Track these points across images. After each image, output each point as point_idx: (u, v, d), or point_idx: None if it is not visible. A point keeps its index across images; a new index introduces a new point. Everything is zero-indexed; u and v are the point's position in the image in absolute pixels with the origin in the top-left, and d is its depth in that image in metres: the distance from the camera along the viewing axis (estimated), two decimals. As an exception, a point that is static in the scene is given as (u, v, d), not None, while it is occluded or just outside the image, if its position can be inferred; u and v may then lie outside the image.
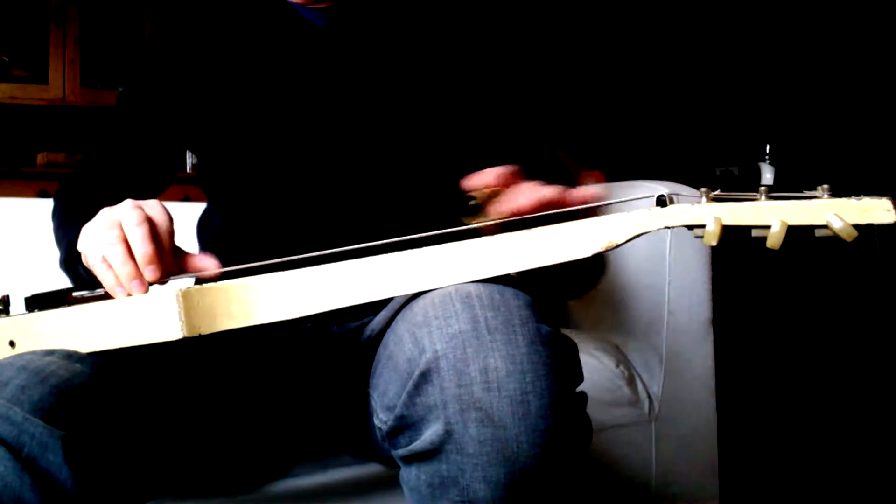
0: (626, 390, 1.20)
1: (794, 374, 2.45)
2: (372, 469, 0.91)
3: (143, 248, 0.67)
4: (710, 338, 1.28)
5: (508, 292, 0.65)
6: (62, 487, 0.62)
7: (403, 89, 0.92)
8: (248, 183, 0.94)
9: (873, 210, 0.56)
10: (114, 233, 0.68)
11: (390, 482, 0.85)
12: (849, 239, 0.57)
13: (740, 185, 2.89)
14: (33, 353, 0.68)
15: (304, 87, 0.91)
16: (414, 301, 0.68)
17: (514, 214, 0.69)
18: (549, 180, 0.92)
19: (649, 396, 1.22)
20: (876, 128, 2.74)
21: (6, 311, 0.73)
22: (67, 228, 0.89)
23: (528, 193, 0.70)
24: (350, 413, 0.84)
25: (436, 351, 0.61)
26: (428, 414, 0.61)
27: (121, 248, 0.68)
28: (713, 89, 2.96)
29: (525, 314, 0.63)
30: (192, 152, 1.02)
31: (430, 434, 0.61)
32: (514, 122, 0.97)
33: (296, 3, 0.92)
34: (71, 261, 0.85)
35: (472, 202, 0.70)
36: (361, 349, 0.83)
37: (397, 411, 0.64)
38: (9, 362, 0.66)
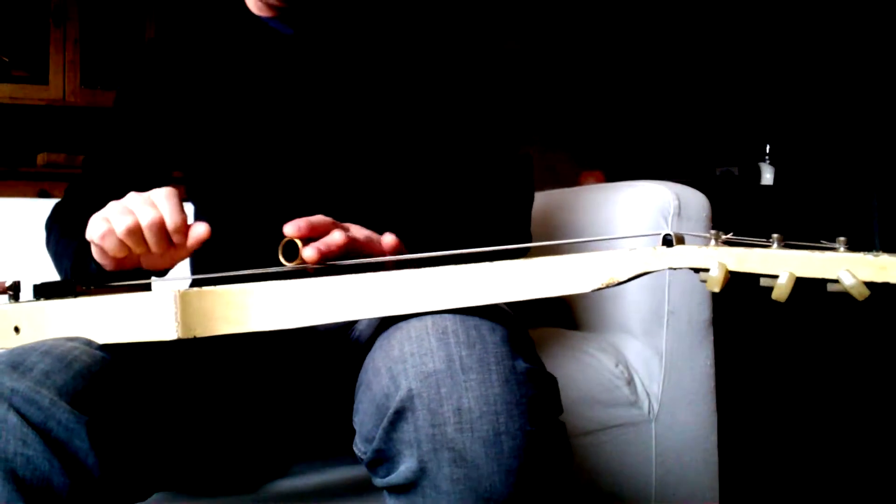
0: (626, 390, 1.20)
1: (794, 375, 2.45)
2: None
3: (173, 216, 0.69)
4: (710, 338, 1.28)
5: (485, 326, 0.65)
6: (89, 473, 0.63)
7: (370, 94, 0.93)
8: (226, 188, 0.96)
9: (891, 268, 0.52)
10: (148, 208, 0.69)
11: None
12: (860, 298, 0.52)
13: (740, 185, 2.90)
14: (55, 339, 0.69)
15: (273, 94, 0.94)
16: (392, 330, 0.67)
17: (325, 252, 0.69)
18: (505, 192, 0.95)
19: (649, 396, 1.22)
20: (876, 128, 2.74)
21: (16, 297, 0.74)
22: (69, 241, 0.89)
23: (340, 233, 0.71)
24: (343, 415, 0.84)
25: (410, 389, 0.61)
26: (404, 450, 0.62)
27: (153, 214, 0.69)
28: (713, 89, 2.96)
29: (501, 351, 0.63)
30: (178, 162, 1.03)
31: (405, 469, 0.62)
32: (481, 127, 0.98)
33: (263, 17, 0.95)
34: (80, 266, 0.85)
35: (286, 243, 0.71)
36: (350, 351, 0.83)
37: (374, 445, 0.64)
38: (32, 347, 0.67)
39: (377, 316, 0.67)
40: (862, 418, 2.40)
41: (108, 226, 0.70)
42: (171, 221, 0.69)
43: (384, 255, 0.73)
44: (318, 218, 0.72)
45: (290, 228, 0.70)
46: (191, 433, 0.78)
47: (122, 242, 0.70)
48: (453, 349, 0.62)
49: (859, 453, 2.21)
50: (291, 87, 0.93)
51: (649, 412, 1.22)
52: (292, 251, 0.70)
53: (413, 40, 0.96)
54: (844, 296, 0.54)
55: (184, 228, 0.70)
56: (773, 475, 2.03)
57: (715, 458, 1.28)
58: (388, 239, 0.74)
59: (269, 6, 0.92)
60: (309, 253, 0.69)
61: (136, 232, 0.69)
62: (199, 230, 0.71)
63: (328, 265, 0.70)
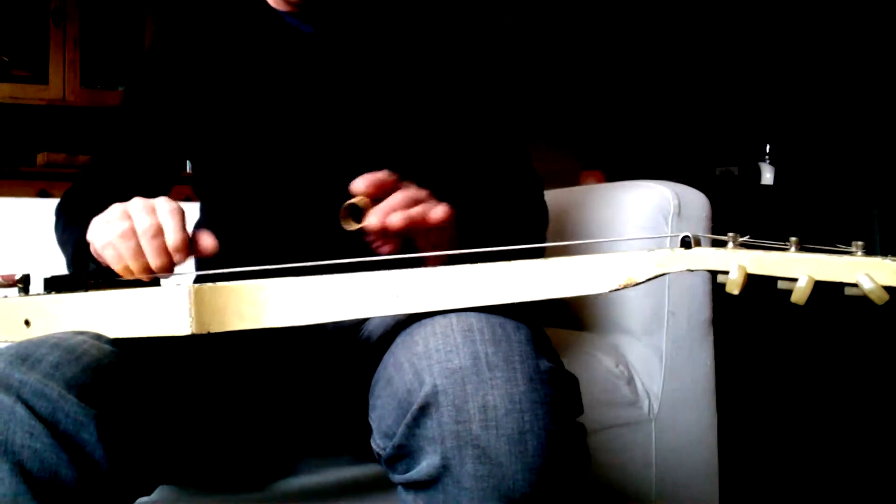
0: (626, 390, 1.20)
1: (794, 374, 2.45)
2: (377, 468, 0.91)
3: (176, 234, 0.69)
4: (710, 338, 1.28)
5: (510, 325, 0.65)
6: (97, 466, 0.63)
7: (390, 93, 0.93)
8: (239, 186, 0.96)
9: None
10: (148, 219, 0.69)
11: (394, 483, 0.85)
12: (879, 302, 0.53)
13: (740, 185, 2.90)
14: (64, 332, 0.69)
15: (292, 92, 0.93)
16: (415, 327, 0.67)
17: (385, 214, 0.68)
18: (517, 191, 0.95)
19: (649, 396, 1.22)
20: (876, 127, 2.74)
21: (25, 290, 0.74)
22: (73, 229, 0.90)
23: (402, 196, 0.70)
24: (351, 414, 0.84)
25: (435, 385, 0.61)
26: (426, 446, 0.62)
27: (153, 237, 0.69)
28: (713, 89, 2.96)
29: (525, 350, 0.63)
30: (188, 158, 1.03)
31: (426, 465, 0.62)
32: (496, 127, 0.98)
33: (282, 11, 0.94)
34: (80, 257, 0.85)
35: (351, 203, 0.69)
36: (359, 350, 0.83)
37: (395, 441, 0.64)
38: (41, 340, 0.67)
39: (393, 313, 0.67)
40: (862, 418, 2.40)
41: (113, 251, 0.70)
42: (171, 240, 0.69)
43: (434, 225, 0.71)
44: (383, 174, 0.71)
45: (360, 184, 0.69)
46: (198, 429, 0.78)
47: (122, 257, 0.70)
48: (479, 347, 0.62)
49: (859, 453, 2.21)
50: (309, 85, 0.93)
51: (649, 412, 1.22)
52: (357, 213, 0.69)
53: (431, 41, 0.96)
54: (843, 296, 0.55)
55: (184, 248, 0.70)
56: (773, 475, 2.03)
57: (715, 458, 1.28)
58: (439, 211, 0.71)
59: (289, 2, 0.91)
60: (373, 220, 0.68)
61: (137, 250, 0.69)
62: (207, 244, 0.71)
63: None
